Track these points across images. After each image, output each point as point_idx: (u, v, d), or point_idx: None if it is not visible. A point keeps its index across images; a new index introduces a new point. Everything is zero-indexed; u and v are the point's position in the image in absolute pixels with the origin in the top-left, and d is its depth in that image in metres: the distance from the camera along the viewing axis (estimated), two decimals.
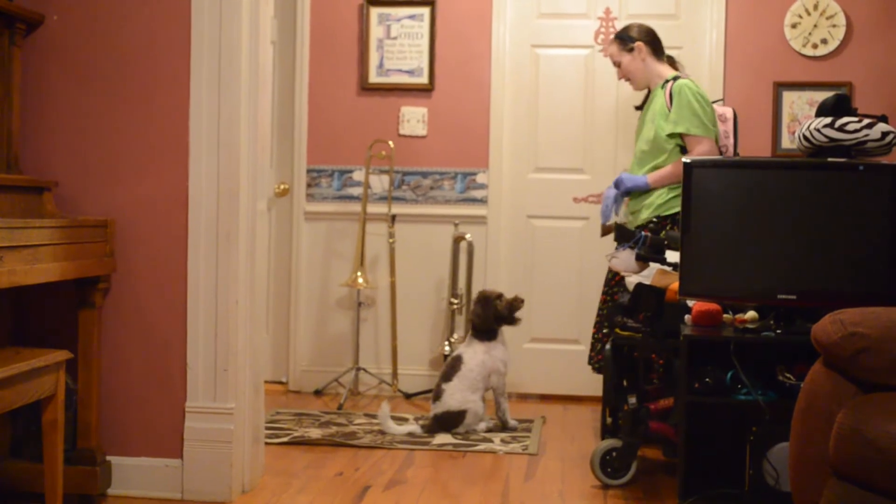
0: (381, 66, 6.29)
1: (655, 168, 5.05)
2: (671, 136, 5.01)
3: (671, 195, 4.97)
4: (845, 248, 3.93)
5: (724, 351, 3.88)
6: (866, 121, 4.09)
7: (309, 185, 6.36)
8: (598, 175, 6.23)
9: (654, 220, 4.96)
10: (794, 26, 6.03)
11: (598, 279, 6.10)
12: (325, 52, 6.33)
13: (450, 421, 5.17)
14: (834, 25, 5.99)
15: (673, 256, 4.33)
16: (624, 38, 5.30)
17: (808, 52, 6.02)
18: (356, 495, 4.13)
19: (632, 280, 4.52)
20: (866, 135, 4.07)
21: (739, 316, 4.11)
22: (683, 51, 6.17)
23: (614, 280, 5.08)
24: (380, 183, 6.28)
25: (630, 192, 5.08)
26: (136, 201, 4.01)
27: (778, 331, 3.92)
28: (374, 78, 6.29)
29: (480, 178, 6.25)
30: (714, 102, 5.18)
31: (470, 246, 6.12)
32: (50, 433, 3.55)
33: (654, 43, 5.29)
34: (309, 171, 6.35)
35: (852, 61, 5.99)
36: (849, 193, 3.96)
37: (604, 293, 5.21)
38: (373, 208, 6.24)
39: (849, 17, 5.98)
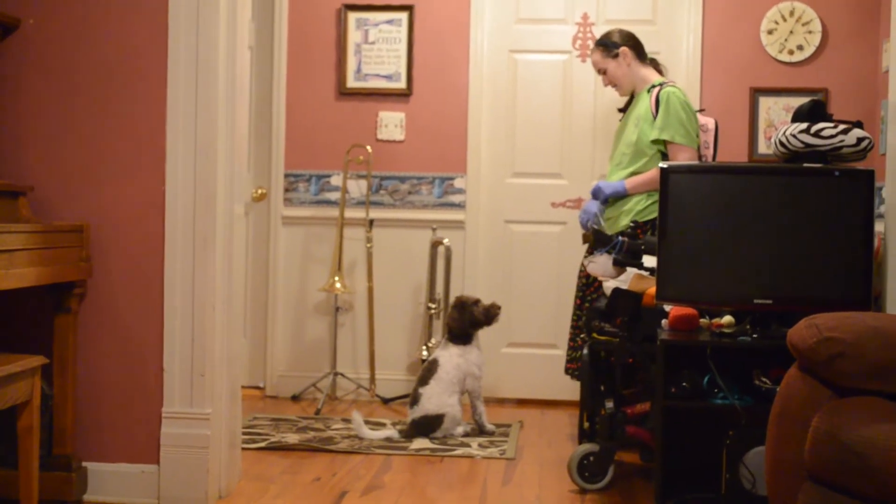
0: (358, 70, 6.29)
1: (635, 173, 5.06)
2: (655, 142, 5.02)
3: (650, 201, 4.99)
4: (821, 252, 3.95)
5: (700, 355, 3.89)
6: (842, 126, 4.12)
7: (286, 190, 6.35)
8: (576, 180, 6.24)
9: (632, 225, 4.98)
10: (770, 32, 6.06)
11: (575, 283, 6.11)
12: (302, 57, 6.32)
13: (428, 425, 5.17)
14: (810, 32, 6.02)
15: (650, 261, 4.34)
16: (607, 45, 5.30)
17: (785, 58, 6.06)
18: (333, 500, 4.12)
19: (609, 285, 4.53)
20: (841, 140, 4.09)
21: (716, 320, 4.12)
22: (660, 56, 6.16)
23: (592, 287, 5.09)
24: (357, 188, 6.28)
25: (608, 199, 5.10)
26: (113, 206, 3.99)
27: (754, 335, 3.94)
28: (351, 83, 6.29)
29: (458, 183, 6.25)
30: (697, 112, 5.20)
31: (448, 251, 6.12)
32: (25, 439, 3.52)
33: (637, 47, 5.31)
34: (286, 175, 6.34)
35: (828, 67, 6.03)
36: (824, 198, 3.98)
37: (577, 298, 5.23)
38: (350, 213, 6.24)
39: (824, 24, 6.02)
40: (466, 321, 5.33)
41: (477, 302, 5.37)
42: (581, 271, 5.19)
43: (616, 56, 5.26)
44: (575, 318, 5.20)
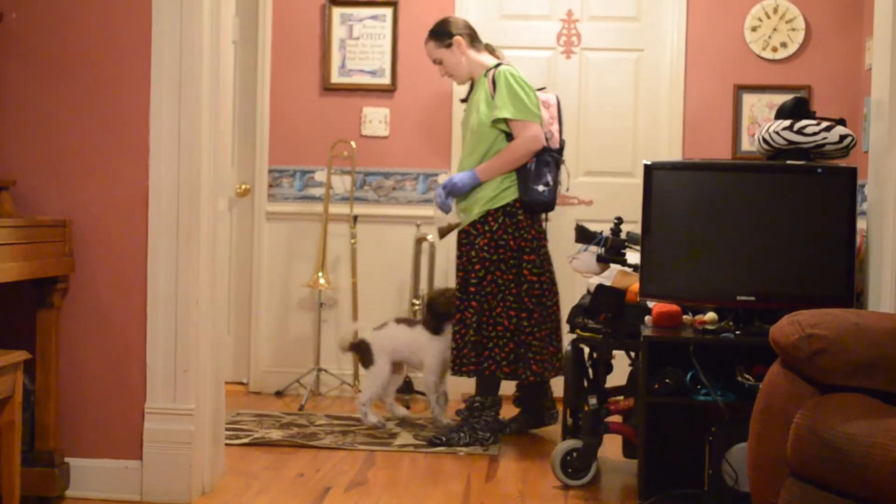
0: (343, 66, 6.28)
1: (484, 158, 5.07)
2: (496, 122, 5.03)
3: (501, 188, 5.03)
4: (803, 249, 3.97)
5: (683, 352, 3.90)
6: (825, 124, 4.13)
7: (270, 186, 6.33)
8: None
9: (484, 213, 5.04)
10: (754, 29, 6.08)
11: (559, 279, 6.11)
12: (286, 52, 6.31)
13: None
14: (793, 29, 6.04)
15: (634, 258, 4.35)
16: (440, 34, 5.28)
17: (768, 55, 6.08)
18: (317, 496, 4.12)
19: (593, 281, 4.53)
20: (824, 137, 4.10)
21: (699, 317, 4.14)
22: (644, 53, 6.21)
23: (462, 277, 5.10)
24: (342, 183, 6.27)
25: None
26: (96, 201, 3.98)
27: (737, 332, 3.95)
28: (336, 78, 6.28)
29: (442, 179, 6.24)
30: (538, 91, 5.18)
31: (432, 247, 6.12)
32: (7, 434, 3.51)
33: (471, 35, 5.28)
34: (270, 171, 6.33)
35: (811, 65, 6.04)
36: (807, 196, 4.00)
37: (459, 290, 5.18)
38: (334, 209, 6.23)
39: (808, 21, 6.04)
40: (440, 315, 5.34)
41: (444, 292, 5.39)
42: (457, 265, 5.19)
43: (449, 46, 5.24)
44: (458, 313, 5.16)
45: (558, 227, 6.12)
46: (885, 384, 2.79)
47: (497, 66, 5.14)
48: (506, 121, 5.02)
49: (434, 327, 5.32)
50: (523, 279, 5.02)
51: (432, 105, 6.25)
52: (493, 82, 5.07)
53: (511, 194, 5.03)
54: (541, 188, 5.01)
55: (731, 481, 3.78)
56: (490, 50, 5.31)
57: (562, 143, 5.23)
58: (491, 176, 5.03)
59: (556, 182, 5.12)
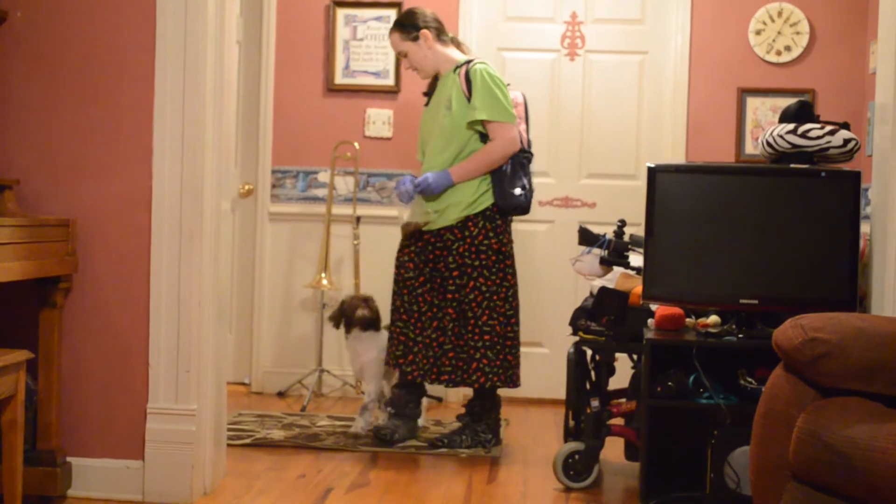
0: (347, 67, 6.28)
1: (457, 158, 4.91)
2: (472, 122, 4.87)
3: (479, 192, 4.87)
4: (807, 253, 3.97)
5: (686, 355, 3.90)
6: (828, 127, 4.13)
7: (273, 186, 6.33)
8: (563, 178, 6.24)
9: (462, 219, 4.88)
10: (758, 33, 6.08)
11: (562, 282, 6.13)
12: (290, 53, 6.31)
13: None
14: (798, 33, 6.04)
15: (637, 260, 4.34)
16: (406, 26, 5.05)
17: (772, 58, 6.07)
18: (318, 497, 4.12)
19: (596, 284, 4.53)
20: (828, 141, 4.10)
21: (702, 320, 4.14)
22: (648, 56, 6.21)
23: (407, 282, 5.03)
24: (345, 184, 6.27)
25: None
26: (99, 200, 3.98)
27: (740, 335, 3.95)
28: (339, 79, 6.28)
29: None
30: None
31: None
32: (9, 434, 3.51)
33: (438, 28, 5.07)
34: (274, 171, 6.33)
35: (815, 68, 6.04)
36: (811, 199, 4.00)
37: (394, 292, 5.12)
38: (337, 210, 6.23)
39: (812, 25, 6.03)
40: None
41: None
42: (400, 265, 5.09)
43: (416, 39, 5.01)
44: (393, 314, 5.11)
45: (560, 230, 6.13)
46: (887, 388, 2.79)
47: (468, 62, 4.95)
48: (482, 122, 4.87)
49: (335, 323, 5.36)
50: (508, 283, 4.93)
51: None
52: (468, 80, 4.88)
53: (489, 198, 4.88)
54: (517, 191, 4.88)
55: (732, 484, 3.78)
56: (456, 43, 5.15)
57: (528, 142, 5.06)
58: (465, 178, 4.87)
59: (531, 184, 4.98)
